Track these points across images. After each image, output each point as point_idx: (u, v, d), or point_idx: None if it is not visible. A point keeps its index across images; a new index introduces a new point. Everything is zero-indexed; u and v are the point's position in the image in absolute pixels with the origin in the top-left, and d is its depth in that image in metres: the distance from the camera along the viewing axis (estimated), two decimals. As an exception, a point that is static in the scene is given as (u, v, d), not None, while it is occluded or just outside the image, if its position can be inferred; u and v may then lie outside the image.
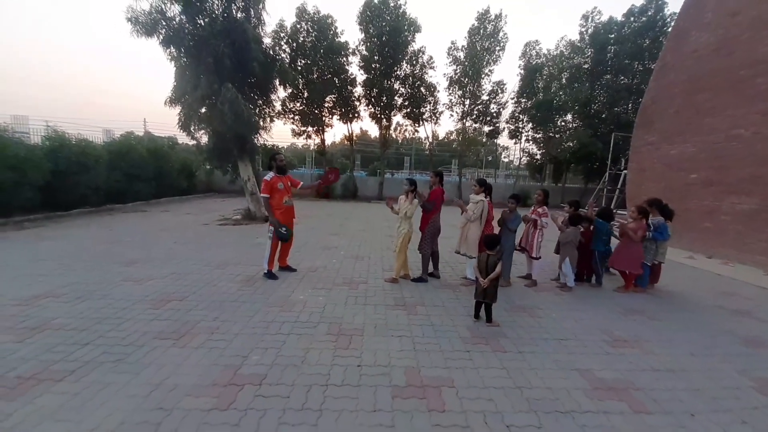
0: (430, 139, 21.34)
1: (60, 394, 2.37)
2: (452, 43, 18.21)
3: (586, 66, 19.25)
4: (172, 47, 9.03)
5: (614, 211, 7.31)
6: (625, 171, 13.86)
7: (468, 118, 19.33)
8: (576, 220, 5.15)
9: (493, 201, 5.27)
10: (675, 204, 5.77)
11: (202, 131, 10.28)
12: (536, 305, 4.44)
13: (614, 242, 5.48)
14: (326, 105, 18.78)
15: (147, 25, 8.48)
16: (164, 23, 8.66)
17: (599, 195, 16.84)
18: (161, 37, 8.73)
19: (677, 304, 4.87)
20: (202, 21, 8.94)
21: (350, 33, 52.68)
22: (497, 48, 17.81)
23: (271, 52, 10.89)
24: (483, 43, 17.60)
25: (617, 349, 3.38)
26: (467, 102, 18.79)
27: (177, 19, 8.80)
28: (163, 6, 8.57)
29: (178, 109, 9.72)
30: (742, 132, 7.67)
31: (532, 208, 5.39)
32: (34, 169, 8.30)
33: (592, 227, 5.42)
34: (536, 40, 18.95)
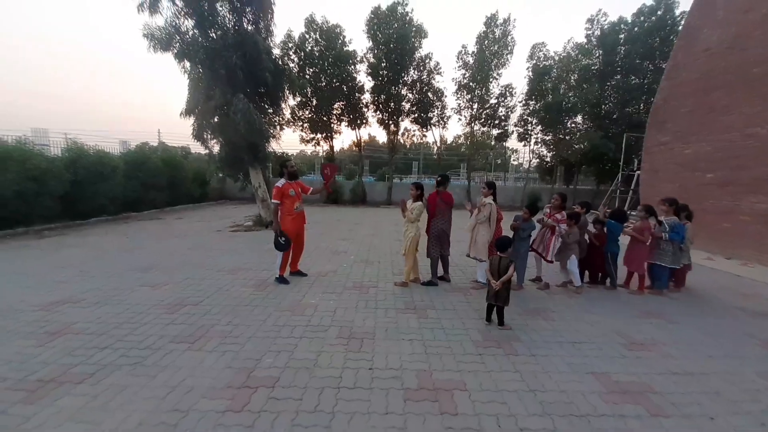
0: (438, 144, 21.34)
1: (80, 396, 2.44)
2: (463, 47, 18.21)
3: (594, 68, 19.07)
4: (186, 60, 9.29)
5: (628, 212, 7.20)
6: (638, 172, 13.64)
7: (476, 122, 19.29)
8: (575, 217, 5.07)
9: (500, 203, 5.23)
10: (691, 205, 5.66)
11: (215, 141, 10.51)
12: (549, 308, 4.38)
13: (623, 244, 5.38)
14: (334, 112, 18.96)
15: (162, 40, 8.76)
16: (178, 38, 8.93)
17: (612, 196, 16.55)
18: (175, 50, 9.00)
19: (696, 307, 4.75)
20: (214, 34, 9.19)
21: (358, 41, 53.37)
22: (505, 52, 17.77)
23: (281, 62, 11.10)
24: (491, 47, 17.60)
25: (634, 352, 3.31)
26: (475, 106, 18.75)
27: (190, 33, 9.06)
28: (177, 21, 8.86)
29: (191, 119, 9.99)
30: (758, 130, 7.50)
31: (548, 211, 5.26)
32: (54, 179, 8.60)
33: (605, 229, 5.34)
34: (543, 42, 18.83)
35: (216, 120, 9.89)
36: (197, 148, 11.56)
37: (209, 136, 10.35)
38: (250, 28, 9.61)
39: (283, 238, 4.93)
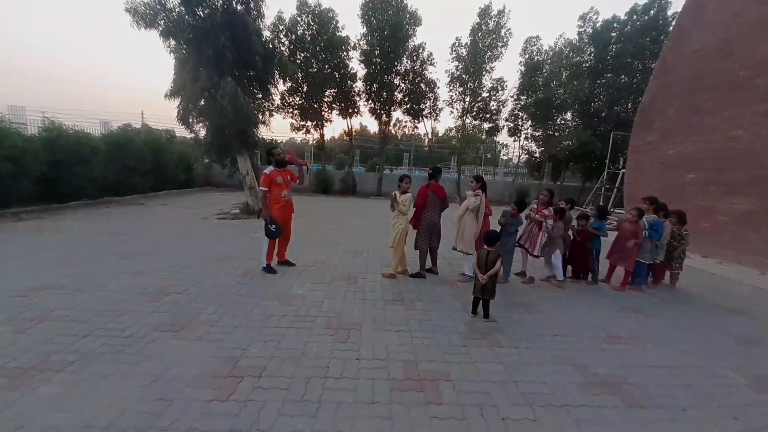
0: (430, 136, 21.32)
1: (60, 384, 2.38)
2: (457, 39, 18.11)
3: (585, 65, 19.22)
4: (171, 39, 8.96)
5: (611, 210, 7.36)
6: (623, 170, 13.91)
7: (468, 115, 19.30)
8: (560, 212, 5.17)
9: (489, 197, 5.25)
10: (672, 204, 5.82)
11: (201, 124, 10.24)
12: (533, 302, 4.48)
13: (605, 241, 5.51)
14: (326, 100, 18.67)
15: (146, 16, 8.40)
16: (164, 14, 8.58)
17: (597, 194, 16.88)
18: (161, 28, 8.65)
19: (673, 303, 4.92)
20: (202, 13, 8.86)
21: (351, 28, 52.33)
22: (499, 44, 17.71)
23: (271, 45, 10.82)
24: (485, 40, 17.50)
25: (612, 346, 3.42)
26: (467, 99, 18.73)
27: (177, 10, 8.71)
28: (162, -4, 8.50)
29: (177, 101, 9.68)
30: (740, 133, 7.70)
31: (535, 207, 5.28)
32: (31, 159, 8.26)
33: (588, 224, 5.44)
34: (537, 36, 18.83)
35: (202, 103, 9.62)
36: (183, 131, 11.25)
37: (195, 120, 10.07)
38: (240, 8, 9.30)
39: (274, 225, 4.88)
